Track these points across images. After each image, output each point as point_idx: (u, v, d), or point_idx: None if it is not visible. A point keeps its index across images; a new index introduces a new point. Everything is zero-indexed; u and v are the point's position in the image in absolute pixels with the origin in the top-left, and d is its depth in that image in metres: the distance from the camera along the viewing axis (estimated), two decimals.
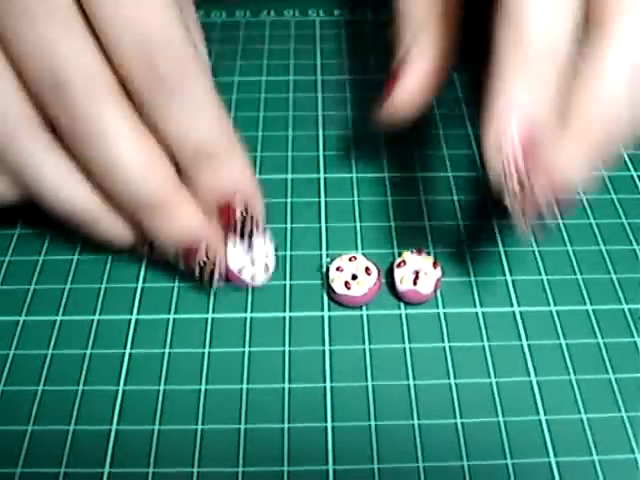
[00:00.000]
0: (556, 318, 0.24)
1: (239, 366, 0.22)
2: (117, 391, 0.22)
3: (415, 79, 0.22)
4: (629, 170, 0.29)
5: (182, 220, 0.20)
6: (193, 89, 0.19)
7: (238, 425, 0.21)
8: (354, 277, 0.23)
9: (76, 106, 0.18)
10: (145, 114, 0.19)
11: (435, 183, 0.28)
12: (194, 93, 0.19)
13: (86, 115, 0.18)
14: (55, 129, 0.19)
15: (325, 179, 0.28)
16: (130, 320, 0.23)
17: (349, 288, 0.23)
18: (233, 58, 0.34)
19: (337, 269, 0.24)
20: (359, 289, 0.23)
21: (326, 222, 0.27)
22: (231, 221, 0.21)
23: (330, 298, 0.24)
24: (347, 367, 0.22)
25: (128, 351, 0.23)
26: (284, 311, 0.24)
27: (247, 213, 0.21)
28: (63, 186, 0.20)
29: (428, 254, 0.25)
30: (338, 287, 0.23)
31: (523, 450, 0.20)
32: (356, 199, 0.27)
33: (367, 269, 0.23)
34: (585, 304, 0.24)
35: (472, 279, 0.25)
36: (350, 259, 0.24)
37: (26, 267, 0.25)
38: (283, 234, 0.26)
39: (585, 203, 0.28)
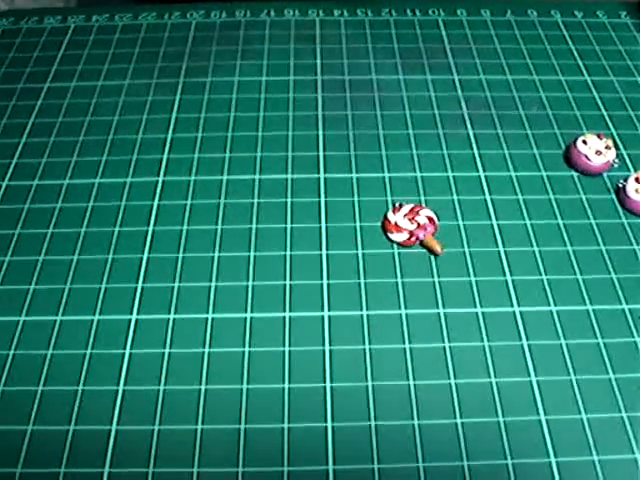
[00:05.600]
0: (556, 318, 0.24)
1: (239, 366, 0.22)
2: (117, 391, 0.22)
3: None
4: (629, 170, 0.29)
5: None
6: None
7: (238, 425, 0.21)
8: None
9: None
10: None
11: (435, 183, 0.28)
12: None
13: None
14: None
15: (325, 179, 0.28)
16: (130, 320, 0.23)
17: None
18: (233, 58, 0.34)
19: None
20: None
21: (326, 222, 0.27)
22: None
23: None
24: (347, 367, 0.22)
25: (128, 351, 0.23)
26: (284, 311, 0.24)
27: None
28: None
29: None
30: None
31: (523, 450, 0.20)
32: (356, 199, 0.27)
33: None
34: (585, 304, 0.24)
35: (472, 279, 0.25)
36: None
37: (26, 267, 0.25)
38: (283, 234, 0.26)
39: (585, 204, 0.28)
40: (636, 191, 0.27)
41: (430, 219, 0.26)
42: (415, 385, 0.22)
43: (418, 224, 0.26)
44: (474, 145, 0.30)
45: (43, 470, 0.20)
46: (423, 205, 0.27)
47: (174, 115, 0.31)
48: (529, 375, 0.22)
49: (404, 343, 0.23)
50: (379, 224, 0.27)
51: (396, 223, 0.26)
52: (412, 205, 0.26)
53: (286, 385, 0.22)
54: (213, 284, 0.25)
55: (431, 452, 0.20)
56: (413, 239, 0.25)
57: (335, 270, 0.25)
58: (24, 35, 0.36)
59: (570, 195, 0.28)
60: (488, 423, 0.21)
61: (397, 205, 0.26)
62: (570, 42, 0.36)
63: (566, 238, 0.26)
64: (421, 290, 0.24)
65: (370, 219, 0.27)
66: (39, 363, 0.22)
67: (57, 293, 0.24)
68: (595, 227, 0.27)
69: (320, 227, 0.26)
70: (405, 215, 0.26)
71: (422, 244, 0.26)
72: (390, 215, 0.26)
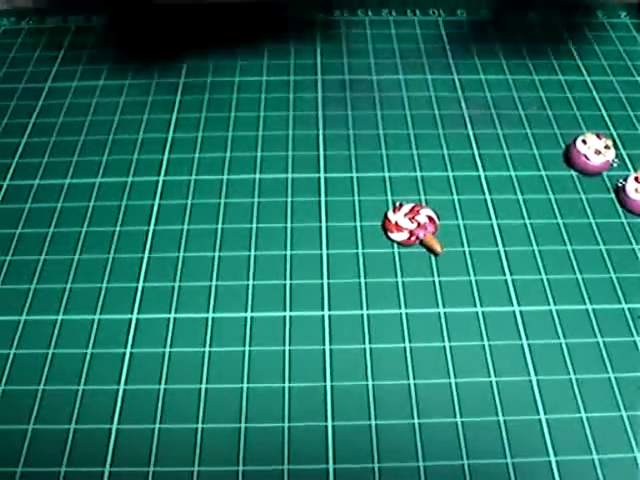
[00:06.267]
0: (556, 317, 0.24)
1: (239, 365, 0.22)
2: (117, 390, 0.22)
3: None
4: (628, 170, 0.29)
5: None
6: None
7: (238, 424, 0.21)
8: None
9: None
10: None
11: (435, 183, 0.28)
12: None
13: None
14: None
15: (325, 179, 0.28)
16: (130, 320, 0.23)
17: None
18: (233, 58, 0.35)
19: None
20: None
21: (326, 221, 0.27)
22: None
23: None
24: (347, 366, 0.22)
25: (128, 350, 0.23)
26: (284, 311, 0.24)
27: None
28: None
29: None
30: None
31: (523, 449, 0.20)
32: (356, 199, 0.28)
33: None
34: (585, 304, 0.24)
35: (472, 278, 0.25)
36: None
37: (27, 267, 0.25)
38: (283, 233, 0.26)
39: (585, 203, 0.28)
40: (635, 191, 0.27)
41: (430, 219, 0.26)
42: (415, 384, 0.22)
43: (418, 223, 0.26)
44: (474, 145, 0.30)
45: (44, 469, 0.20)
46: (423, 204, 0.27)
47: (174, 115, 0.31)
48: (529, 374, 0.22)
49: (404, 342, 0.23)
50: (379, 223, 0.27)
51: (396, 222, 0.26)
52: (412, 204, 0.26)
53: (286, 384, 0.22)
54: (213, 283, 0.25)
55: (431, 451, 0.20)
56: (413, 238, 0.25)
57: (335, 269, 0.25)
58: (25, 35, 0.36)
59: (570, 195, 0.28)
60: (488, 422, 0.21)
61: (397, 204, 0.26)
62: (570, 42, 0.36)
63: (566, 237, 0.26)
64: (421, 289, 0.24)
65: (370, 218, 0.27)
66: (40, 362, 0.22)
67: (58, 292, 0.24)
68: (595, 226, 0.27)
69: (320, 226, 0.26)
70: (405, 214, 0.26)
71: (422, 243, 0.26)
72: (390, 214, 0.26)
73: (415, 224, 0.26)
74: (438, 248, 0.25)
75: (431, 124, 0.31)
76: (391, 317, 0.24)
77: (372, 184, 0.28)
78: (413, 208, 0.26)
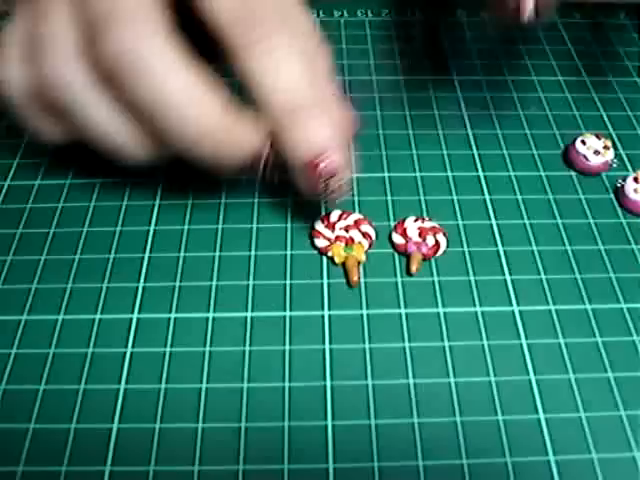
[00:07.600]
0: (555, 317, 0.24)
1: (239, 365, 0.22)
2: (118, 390, 0.22)
3: None
4: (628, 170, 0.29)
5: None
6: (284, 36, 0.19)
7: (239, 423, 0.21)
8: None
9: (123, 40, 0.18)
10: (237, 63, 0.19)
11: (435, 183, 0.28)
12: (284, 40, 0.19)
13: (133, 49, 0.18)
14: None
15: None
16: (131, 319, 0.24)
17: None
18: None
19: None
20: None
21: None
22: (318, 180, 0.21)
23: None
24: (347, 366, 0.22)
25: (129, 350, 0.23)
26: (284, 310, 0.24)
27: (334, 174, 0.21)
28: (111, 123, 0.20)
29: None
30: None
31: (522, 448, 0.20)
32: (357, 199, 0.28)
33: None
34: (584, 303, 0.24)
35: (472, 278, 0.25)
36: None
37: (28, 266, 0.25)
38: (284, 233, 0.26)
39: (584, 203, 0.28)
40: (635, 191, 0.27)
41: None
42: (415, 384, 0.22)
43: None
44: (473, 145, 0.30)
45: (45, 468, 0.20)
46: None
47: None
48: (528, 374, 0.22)
49: (404, 342, 0.23)
50: (379, 224, 0.27)
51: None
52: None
53: (286, 383, 0.22)
54: (214, 283, 0.25)
55: (431, 450, 0.20)
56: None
57: (335, 270, 0.25)
58: None
59: (569, 195, 0.28)
60: (487, 421, 0.21)
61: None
62: (569, 43, 0.36)
63: (565, 237, 0.26)
64: (421, 289, 0.24)
65: (370, 219, 0.27)
66: (40, 362, 0.22)
67: (59, 292, 0.24)
68: (594, 227, 0.27)
69: None
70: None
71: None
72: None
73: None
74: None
75: (431, 124, 0.31)
76: (391, 317, 0.24)
77: (371, 184, 0.28)
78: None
